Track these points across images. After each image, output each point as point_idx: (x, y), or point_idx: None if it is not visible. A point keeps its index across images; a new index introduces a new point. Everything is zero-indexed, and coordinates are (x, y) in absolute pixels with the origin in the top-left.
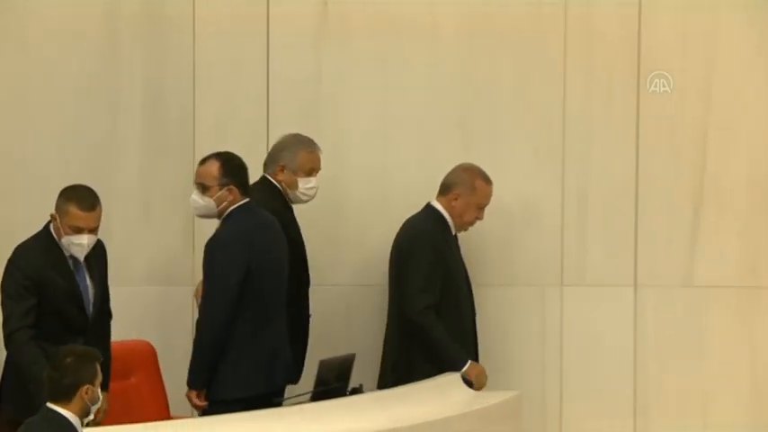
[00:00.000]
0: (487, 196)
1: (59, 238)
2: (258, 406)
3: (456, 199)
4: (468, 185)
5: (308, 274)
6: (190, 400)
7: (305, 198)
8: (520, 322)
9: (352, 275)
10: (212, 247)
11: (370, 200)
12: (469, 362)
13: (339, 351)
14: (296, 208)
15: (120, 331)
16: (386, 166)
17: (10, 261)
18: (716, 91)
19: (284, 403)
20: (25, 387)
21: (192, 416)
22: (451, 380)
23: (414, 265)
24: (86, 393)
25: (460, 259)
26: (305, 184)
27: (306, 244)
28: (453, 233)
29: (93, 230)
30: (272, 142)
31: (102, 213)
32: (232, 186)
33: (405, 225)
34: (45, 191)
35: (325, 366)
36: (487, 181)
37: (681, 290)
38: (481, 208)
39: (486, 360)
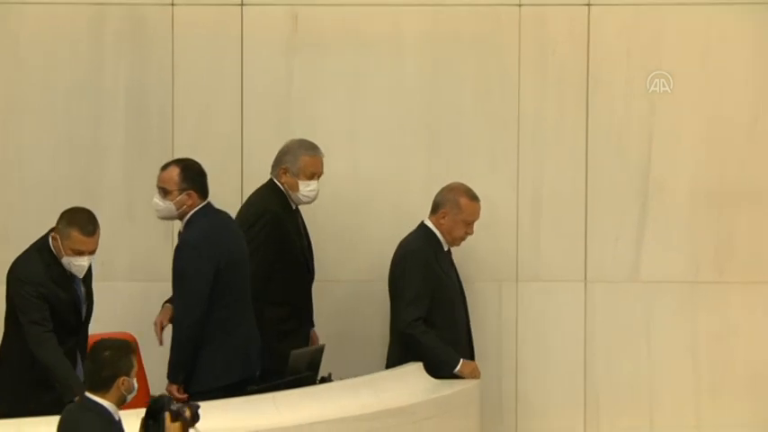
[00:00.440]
0: (473, 212)
1: (60, 256)
2: (234, 393)
3: (444, 217)
4: (453, 203)
5: (313, 271)
6: (171, 393)
7: (306, 200)
8: (478, 316)
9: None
10: (182, 250)
11: (342, 202)
12: (461, 361)
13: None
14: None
15: (104, 324)
16: (355, 169)
17: (16, 278)
18: (660, 96)
19: (257, 391)
20: (19, 386)
21: None
22: (414, 369)
23: (404, 281)
24: (123, 384)
25: (454, 272)
26: (305, 187)
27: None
28: (446, 249)
29: (93, 252)
30: (246, 147)
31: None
32: (191, 191)
33: (400, 244)
34: (36, 192)
35: (296, 357)
36: (472, 198)
37: (628, 285)
38: (468, 223)
39: None
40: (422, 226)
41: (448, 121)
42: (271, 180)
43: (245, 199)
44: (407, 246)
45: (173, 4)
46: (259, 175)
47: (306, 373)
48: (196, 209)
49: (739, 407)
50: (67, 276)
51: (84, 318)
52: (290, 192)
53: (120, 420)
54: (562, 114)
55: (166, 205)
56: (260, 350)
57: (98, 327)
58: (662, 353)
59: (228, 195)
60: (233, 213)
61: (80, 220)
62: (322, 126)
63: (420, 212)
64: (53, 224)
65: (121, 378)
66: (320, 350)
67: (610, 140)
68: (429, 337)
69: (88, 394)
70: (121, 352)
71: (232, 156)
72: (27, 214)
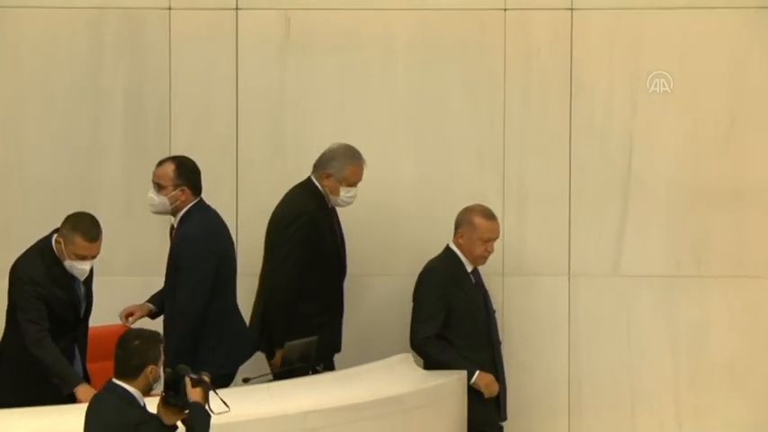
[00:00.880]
0: (488, 231)
1: (62, 258)
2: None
3: (462, 237)
4: (468, 223)
5: (345, 267)
6: None
7: (344, 204)
8: None
9: None
10: (186, 243)
11: None
12: (478, 372)
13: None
14: None
15: (103, 317)
16: None
17: (17, 277)
18: (641, 97)
19: (252, 381)
20: (13, 379)
21: None
22: (403, 359)
23: (418, 300)
24: (150, 373)
25: (481, 292)
26: (346, 193)
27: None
28: (469, 269)
29: (95, 257)
30: (241, 146)
31: (89, 211)
32: (185, 187)
33: (424, 266)
34: (36, 192)
35: (289, 349)
36: (487, 217)
37: (609, 279)
38: (485, 241)
39: None
40: (446, 248)
41: (436, 121)
42: (309, 180)
43: (239, 198)
44: (426, 267)
45: (170, 9)
46: (253, 174)
47: (298, 365)
48: (190, 204)
49: (718, 397)
50: (68, 277)
51: (82, 316)
52: (330, 195)
53: (144, 405)
54: (546, 114)
55: (161, 200)
56: (254, 340)
57: (97, 321)
58: (643, 345)
59: (223, 194)
60: (227, 211)
61: (84, 226)
62: (314, 126)
63: (409, 211)
64: (53, 223)
65: (150, 366)
66: (313, 342)
67: (592, 140)
68: (442, 353)
69: (115, 380)
70: (151, 342)
71: (227, 155)
72: (27, 214)
